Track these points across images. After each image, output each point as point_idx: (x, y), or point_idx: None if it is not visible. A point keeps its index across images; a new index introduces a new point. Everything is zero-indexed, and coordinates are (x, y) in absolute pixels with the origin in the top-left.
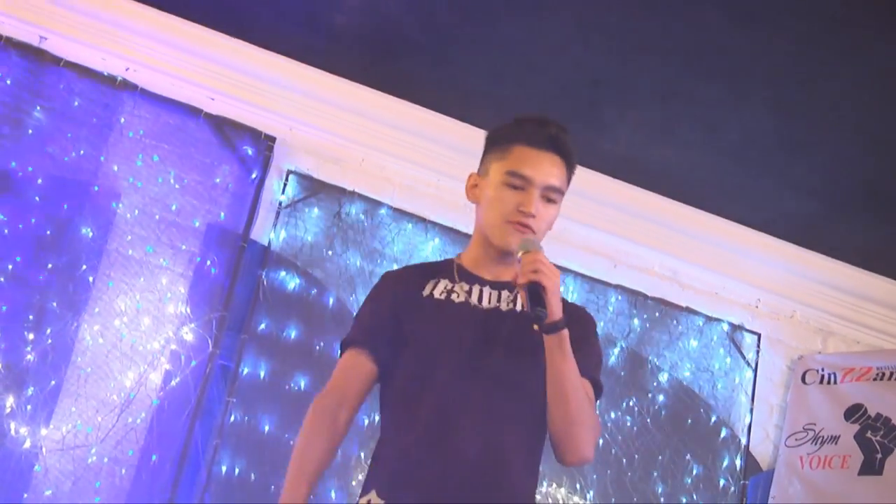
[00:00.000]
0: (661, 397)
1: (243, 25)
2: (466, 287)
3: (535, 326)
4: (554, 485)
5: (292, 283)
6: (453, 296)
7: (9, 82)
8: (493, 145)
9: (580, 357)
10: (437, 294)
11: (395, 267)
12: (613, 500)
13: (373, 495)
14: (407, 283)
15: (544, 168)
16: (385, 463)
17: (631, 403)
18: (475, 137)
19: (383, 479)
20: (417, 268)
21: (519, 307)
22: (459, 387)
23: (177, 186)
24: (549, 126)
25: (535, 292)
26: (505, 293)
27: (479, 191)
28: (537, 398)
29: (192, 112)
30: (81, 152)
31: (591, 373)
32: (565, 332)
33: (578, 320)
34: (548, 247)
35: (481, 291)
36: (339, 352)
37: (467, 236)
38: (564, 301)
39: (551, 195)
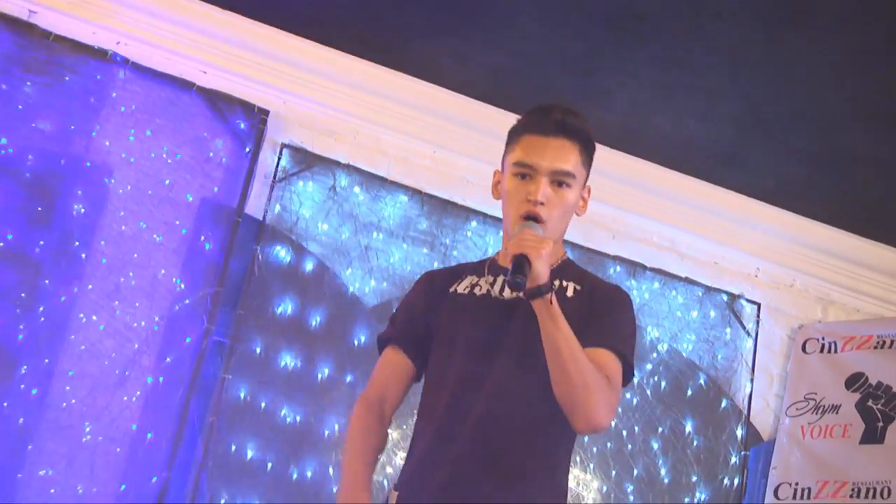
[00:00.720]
0: (660, 369)
1: None
2: (491, 279)
3: (522, 294)
4: None
5: (287, 257)
6: (476, 289)
7: None
8: (508, 140)
9: (600, 328)
10: (461, 290)
11: (391, 241)
12: (614, 472)
13: (393, 494)
14: (438, 281)
15: (550, 154)
16: (408, 461)
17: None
18: (470, 109)
19: (404, 478)
20: (455, 267)
21: None
22: (472, 377)
23: (170, 161)
24: (554, 111)
25: (518, 262)
26: None
27: (500, 187)
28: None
29: (185, 86)
30: (73, 127)
31: (613, 343)
32: (551, 296)
33: (605, 295)
34: None
35: (505, 283)
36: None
37: (463, 209)
38: (598, 279)
39: (562, 179)
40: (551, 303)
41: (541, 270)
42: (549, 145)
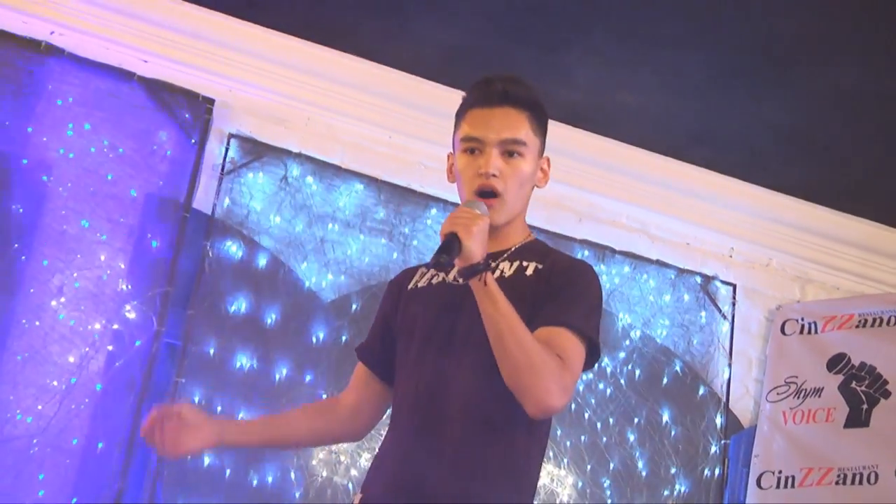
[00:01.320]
0: (634, 356)
1: None
2: (450, 268)
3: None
4: None
5: (239, 252)
6: (433, 279)
7: None
8: (455, 120)
9: (556, 305)
10: (421, 284)
11: (347, 232)
12: (589, 466)
13: (357, 496)
14: (399, 283)
15: (496, 123)
16: (374, 460)
17: (603, 364)
18: (426, 90)
19: (367, 478)
20: (419, 265)
21: (496, 274)
22: (424, 367)
23: (111, 156)
24: (495, 81)
25: (447, 241)
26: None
27: (453, 168)
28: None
29: (125, 76)
30: (7, 124)
31: (569, 319)
32: (488, 275)
33: (562, 270)
34: None
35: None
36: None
37: (422, 196)
38: (562, 255)
39: (512, 148)
40: (486, 283)
41: (473, 248)
42: (494, 115)
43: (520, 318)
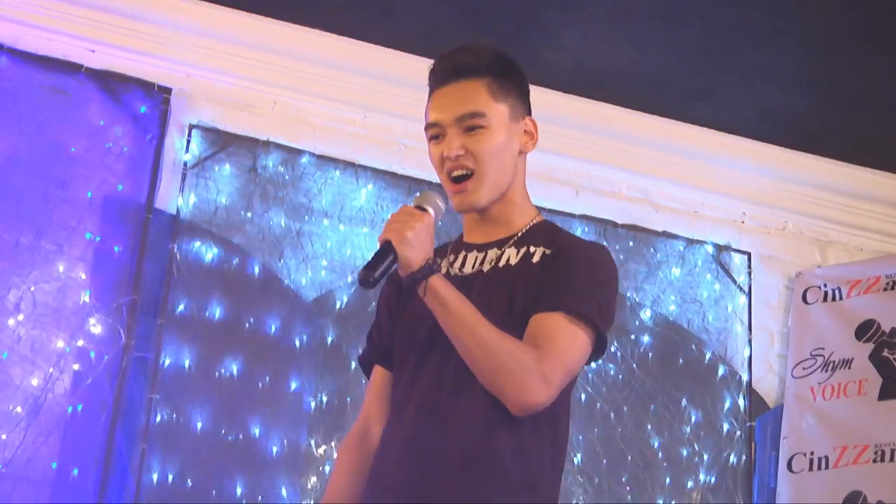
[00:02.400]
0: (645, 338)
1: None
2: (453, 258)
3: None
4: None
5: (209, 253)
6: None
7: None
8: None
9: (552, 290)
10: None
11: (326, 223)
12: (605, 460)
13: None
14: (397, 279)
15: (449, 102)
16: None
17: (612, 349)
18: (400, 63)
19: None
20: None
21: (502, 262)
22: (425, 365)
23: (62, 157)
24: (444, 57)
25: (378, 252)
26: (491, 252)
27: None
28: None
29: (71, 69)
30: None
31: (564, 302)
32: (432, 281)
33: (567, 253)
34: None
35: (465, 258)
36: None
37: (404, 179)
38: (572, 237)
39: (471, 122)
40: (425, 291)
41: (408, 255)
42: (448, 94)
43: (480, 317)
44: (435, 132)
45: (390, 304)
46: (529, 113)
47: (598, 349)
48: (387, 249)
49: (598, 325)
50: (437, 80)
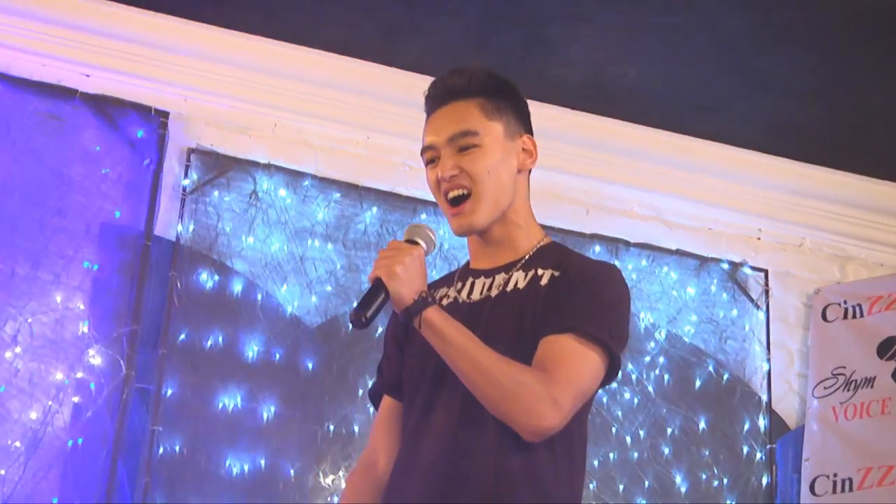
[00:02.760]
0: (661, 359)
1: None
2: (460, 285)
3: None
4: None
5: (211, 280)
6: (444, 300)
7: None
8: None
9: (559, 312)
10: None
11: (330, 247)
12: (622, 486)
13: None
14: None
15: (442, 124)
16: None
17: (627, 371)
18: (403, 82)
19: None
20: (428, 284)
21: (510, 287)
22: (435, 394)
23: (58, 185)
24: (437, 81)
25: (370, 290)
26: (499, 277)
27: None
28: None
29: (66, 94)
30: None
31: (573, 323)
32: (427, 314)
33: (576, 273)
34: None
35: (473, 284)
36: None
37: (409, 200)
38: (581, 258)
39: (463, 142)
40: (420, 325)
41: (399, 291)
42: (441, 116)
43: (480, 344)
44: (430, 156)
45: (397, 334)
46: (529, 132)
47: (612, 371)
48: (378, 287)
49: (609, 346)
50: (431, 104)
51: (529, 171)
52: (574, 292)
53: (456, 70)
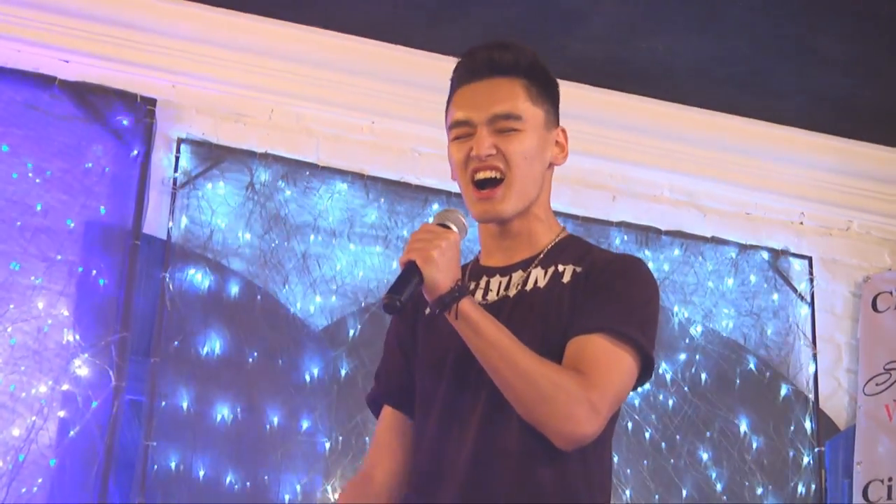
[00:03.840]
0: (697, 357)
1: None
2: (473, 285)
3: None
4: None
5: (205, 281)
6: None
7: None
8: (445, 109)
9: (590, 310)
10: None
11: (334, 242)
12: (657, 496)
13: None
14: (409, 312)
15: (482, 99)
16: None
17: (661, 371)
18: (410, 60)
19: None
20: None
21: (529, 285)
22: (455, 400)
23: (38, 181)
24: (480, 50)
25: (403, 274)
26: (516, 275)
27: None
28: None
29: (44, 82)
30: None
31: (605, 322)
32: (463, 304)
33: (602, 269)
34: None
35: (488, 283)
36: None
37: (420, 190)
38: (604, 252)
39: (506, 125)
40: (457, 316)
41: (434, 277)
42: (481, 90)
43: (517, 342)
44: (463, 132)
45: (404, 341)
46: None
47: (645, 372)
48: (411, 271)
49: (643, 345)
50: (469, 74)
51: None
52: (601, 290)
53: (499, 43)
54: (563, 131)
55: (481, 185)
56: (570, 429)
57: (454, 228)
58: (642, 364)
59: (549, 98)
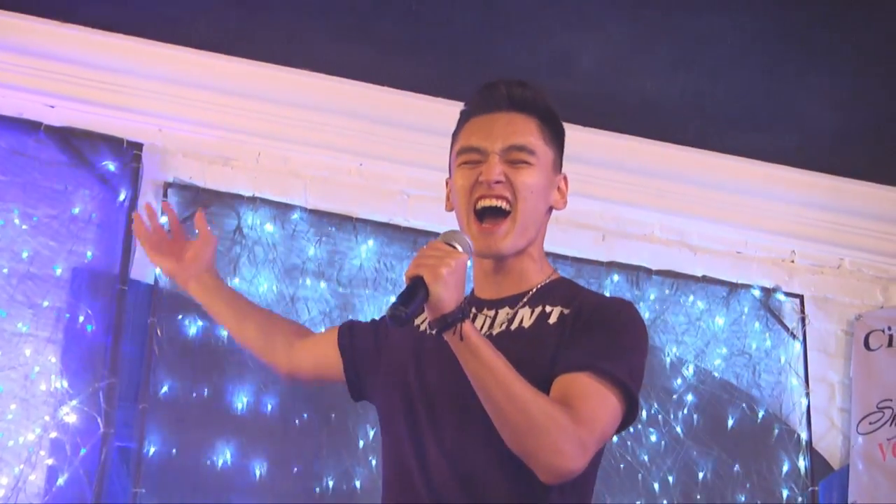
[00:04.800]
0: (689, 397)
1: (75, 7)
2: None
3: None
4: None
5: (193, 327)
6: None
7: None
8: (452, 138)
9: (577, 349)
10: (421, 326)
11: (323, 286)
12: None
13: None
14: (374, 331)
15: (498, 130)
16: None
17: (652, 411)
18: (398, 102)
19: None
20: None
21: (514, 325)
22: (424, 428)
23: (24, 227)
24: (499, 84)
25: (410, 287)
26: (503, 312)
27: (450, 194)
28: None
29: (29, 127)
30: None
31: (592, 361)
32: (466, 326)
33: (591, 311)
34: None
35: (475, 316)
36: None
37: (409, 232)
38: (593, 294)
39: (519, 157)
40: (461, 338)
41: (441, 295)
42: (497, 122)
43: (514, 371)
44: (471, 157)
45: (380, 336)
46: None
47: (630, 415)
48: (418, 286)
49: (630, 388)
50: (485, 106)
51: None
52: (591, 330)
53: (516, 81)
54: (566, 178)
55: (483, 213)
56: (559, 462)
57: (461, 250)
58: (628, 406)
59: (559, 141)
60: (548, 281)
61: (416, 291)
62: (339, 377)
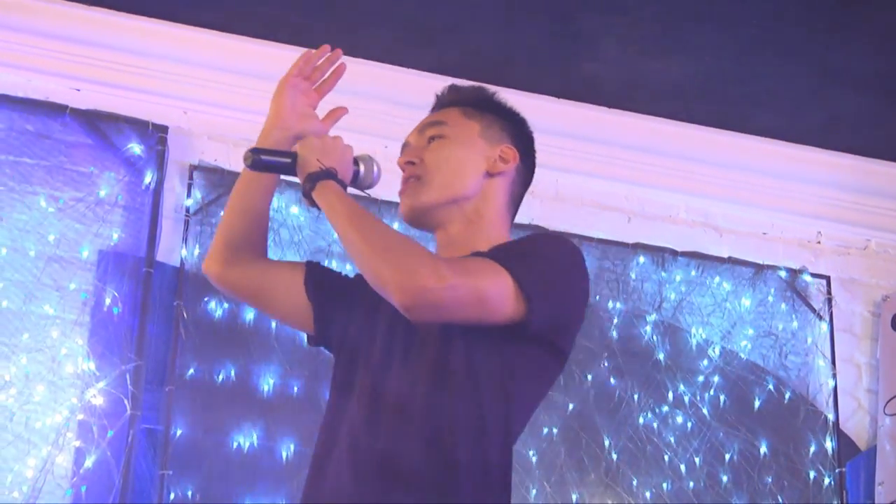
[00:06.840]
0: (715, 379)
1: None
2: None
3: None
4: None
5: (220, 309)
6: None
7: None
8: None
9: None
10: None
11: (348, 268)
12: None
13: None
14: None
15: (419, 124)
16: None
17: (679, 392)
18: (423, 84)
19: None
20: None
21: None
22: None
23: (51, 210)
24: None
25: (282, 153)
26: None
27: None
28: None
29: (55, 110)
30: None
31: (497, 255)
32: (329, 183)
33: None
34: (537, 209)
35: None
36: None
37: None
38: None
39: (430, 132)
40: (315, 193)
41: (304, 155)
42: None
43: (382, 222)
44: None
45: (355, 288)
46: (519, 149)
47: (536, 317)
48: (292, 156)
49: (530, 292)
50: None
51: (512, 184)
52: (506, 247)
53: (453, 85)
54: (511, 149)
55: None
56: (413, 280)
57: (361, 167)
58: (527, 304)
59: (493, 116)
60: (496, 245)
61: (286, 154)
62: (289, 315)
